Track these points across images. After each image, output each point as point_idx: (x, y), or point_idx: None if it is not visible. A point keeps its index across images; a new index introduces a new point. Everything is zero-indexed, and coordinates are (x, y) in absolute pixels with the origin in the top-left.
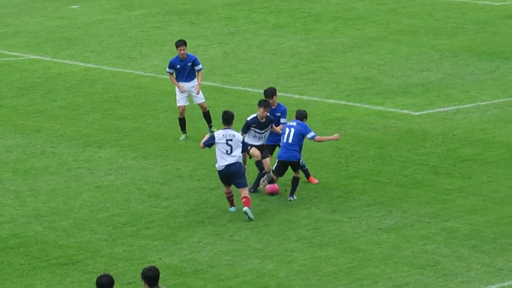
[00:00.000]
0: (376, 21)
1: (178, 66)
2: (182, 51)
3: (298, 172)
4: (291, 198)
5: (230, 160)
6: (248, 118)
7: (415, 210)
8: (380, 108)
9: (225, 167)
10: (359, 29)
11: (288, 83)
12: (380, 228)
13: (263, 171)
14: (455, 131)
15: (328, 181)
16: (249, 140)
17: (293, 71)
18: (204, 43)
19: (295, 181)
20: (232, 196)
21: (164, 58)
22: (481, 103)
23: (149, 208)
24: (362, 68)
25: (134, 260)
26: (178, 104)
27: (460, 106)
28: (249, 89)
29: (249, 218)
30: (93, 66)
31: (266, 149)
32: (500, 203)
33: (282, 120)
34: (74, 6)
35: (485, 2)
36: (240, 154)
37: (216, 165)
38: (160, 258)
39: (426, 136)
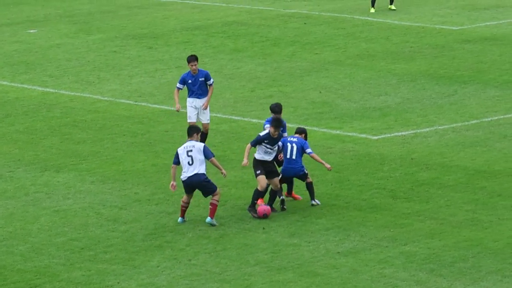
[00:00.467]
0: (334, 45)
1: (190, 81)
2: (194, 67)
3: (309, 178)
4: (314, 202)
5: (192, 171)
6: (261, 134)
7: (373, 234)
8: (338, 132)
9: (187, 178)
10: (317, 53)
11: (246, 107)
12: (338, 252)
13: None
14: (413, 155)
15: (286, 205)
16: (259, 155)
17: (251, 95)
18: (162, 67)
19: (309, 186)
20: (186, 208)
21: (122, 82)
22: (439, 127)
23: (107, 232)
24: (320, 92)
25: (92, 285)
26: (188, 120)
27: (418, 130)
28: None
29: (211, 225)
30: (51, 90)
31: (275, 168)
32: (458, 227)
33: (284, 134)
34: (31, 31)
35: (443, 27)
36: (203, 166)
37: (181, 176)
38: (118, 283)
39: (384, 160)
